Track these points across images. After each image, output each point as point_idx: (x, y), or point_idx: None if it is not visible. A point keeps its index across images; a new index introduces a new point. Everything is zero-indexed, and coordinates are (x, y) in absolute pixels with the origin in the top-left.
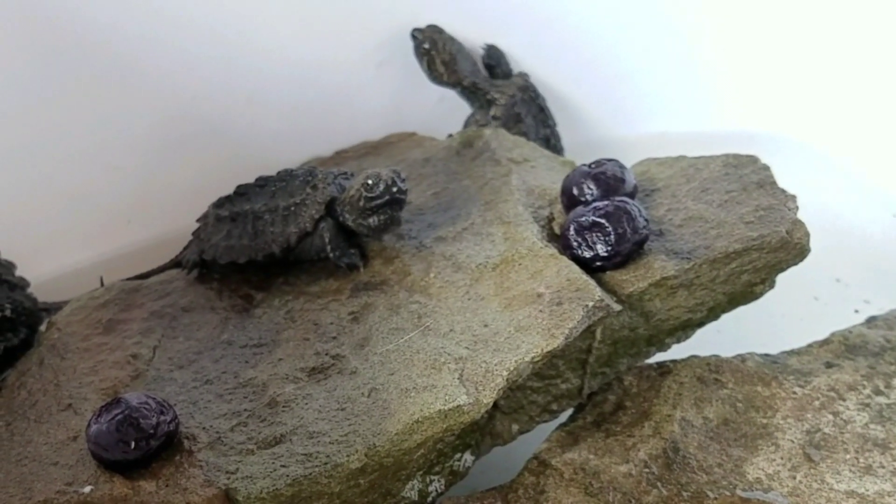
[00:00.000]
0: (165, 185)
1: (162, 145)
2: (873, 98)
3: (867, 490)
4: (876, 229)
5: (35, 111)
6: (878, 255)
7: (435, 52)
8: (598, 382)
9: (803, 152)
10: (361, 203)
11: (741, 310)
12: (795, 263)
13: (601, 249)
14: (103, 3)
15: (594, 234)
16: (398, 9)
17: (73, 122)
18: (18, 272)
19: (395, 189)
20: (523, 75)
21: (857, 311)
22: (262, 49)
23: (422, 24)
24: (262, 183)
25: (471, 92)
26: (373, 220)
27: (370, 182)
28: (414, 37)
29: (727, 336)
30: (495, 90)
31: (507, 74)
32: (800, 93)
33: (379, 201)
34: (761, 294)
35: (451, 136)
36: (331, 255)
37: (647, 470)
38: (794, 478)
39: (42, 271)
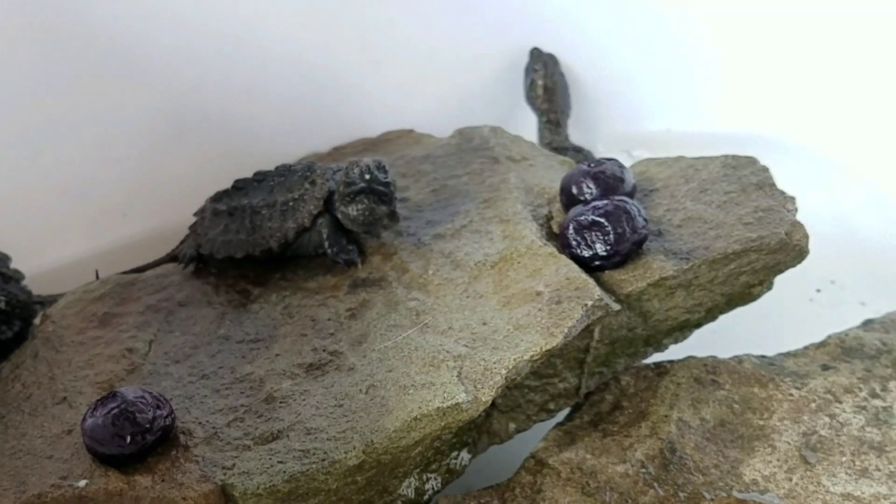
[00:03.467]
0: (162, 178)
1: (159, 139)
2: (873, 100)
3: (863, 493)
4: (873, 232)
5: (31, 104)
6: (876, 257)
7: (544, 73)
8: (596, 382)
9: (802, 154)
10: (342, 189)
11: (738, 311)
12: (794, 265)
13: (600, 249)
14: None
15: (593, 234)
16: (396, 6)
17: (70, 115)
18: (13, 264)
19: (368, 177)
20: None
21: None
22: (260, 44)
23: (418, 22)
24: (261, 178)
25: (549, 128)
26: (352, 209)
27: (347, 169)
28: (532, 53)
29: (724, 337)
30: (570, 152)
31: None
32: (800, 94)
33: (354, 187)
34: (759, 295)
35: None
36: (329, 251)
37: (643, 470)
38: (791, 479)
39: (37, 264)
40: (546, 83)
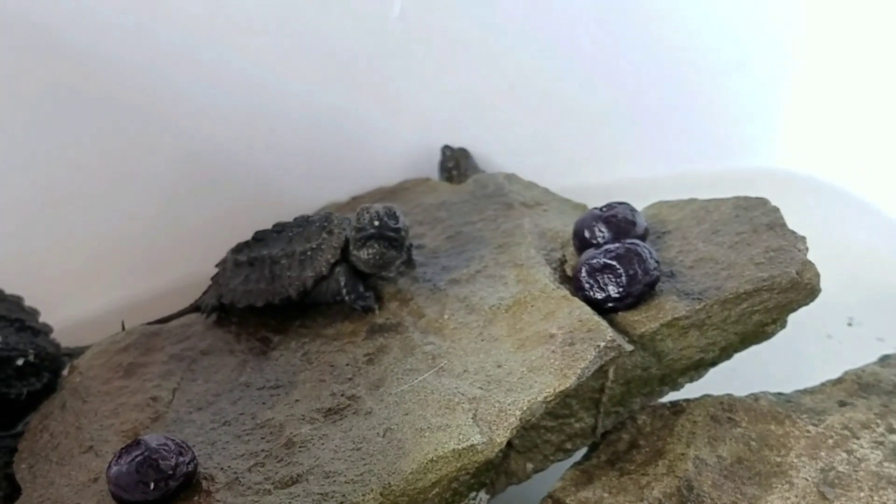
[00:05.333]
0: (184, 232)
1: (181, 194)
2: (887, 134)
3: None
4: (890, 268)
5: (56, 159)
6: (892, 293)
7: (456, 172)
8: (612, 421)
9: (817, 190)
10: (353, 234)
11: (754, 349)
12: (806, 304)
13: (613, 291)
14: (125, 52)
15: (606, 276)
16: (413, 58)
17: (94, 169)
18: (42, 318)
19: (378, 223)
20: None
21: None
22: (279, 99)
23: (433, 73)
24: (280, 229)
25: None
26: (363, 253)
27: (358, 215)
28: (443, 152)
29: (740, 375)
30: None
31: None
32: (814, 129)
33: (365, 233)
34: (773, 334)
35: None
36: (346, 298)
37: None
38: None
39: (65, 317)
40: (460, 181)
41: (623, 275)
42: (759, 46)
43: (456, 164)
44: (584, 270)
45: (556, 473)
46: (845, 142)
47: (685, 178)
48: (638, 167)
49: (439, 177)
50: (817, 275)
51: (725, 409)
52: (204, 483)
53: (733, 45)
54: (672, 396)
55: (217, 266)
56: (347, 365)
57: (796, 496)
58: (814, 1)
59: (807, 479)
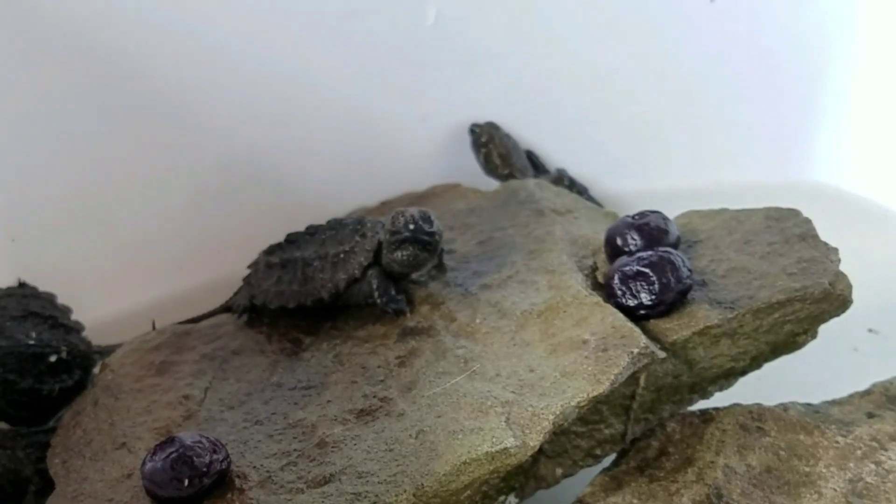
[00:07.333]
0: (217, 232)
1: (214, 194)
2: None
3: None
4: None
5: (90, 159)
6: None
7: (492, 145)
8: (642, 428)
9: (844, 202)
10: (388, 237)
11: (783, 359)
12: (838, 314)
13: (645, 298)
14: (160, 55)
15: (638, 283)
16: (445, 64)
17: (128, 170)
18: (74, 316)
19: (413, 227)
20: (560, 171)
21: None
22: (312, 101)
23: (463, 78)
24: (313, 231)
25: None
26: (397, 255)
27: (393, 218)
28: (472, 131)
29: (768, 385)
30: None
31: (545, 170)
32: (843, 142)
33: (399, 236)
34: (804, 344)
35: None
36: (378, 300)
37: None
38: None
39: (97, 315)
40: (500, 151)
41: (656, 282)
42: (795, 58)
43: (489, 137)
44: (616, 277)
45: (584, 479)
46: (873, 154)
47: (717, 187)
48: (669, 177)
49: (476, 159)
50: (849, 286)
51: (755, 419)
52: (237, 481)
53: (770, 56)
54: (701, 405)
55: (249, 267)
56: (379, 367)
57: None
58: (851, 12)
59: (835, 490)
